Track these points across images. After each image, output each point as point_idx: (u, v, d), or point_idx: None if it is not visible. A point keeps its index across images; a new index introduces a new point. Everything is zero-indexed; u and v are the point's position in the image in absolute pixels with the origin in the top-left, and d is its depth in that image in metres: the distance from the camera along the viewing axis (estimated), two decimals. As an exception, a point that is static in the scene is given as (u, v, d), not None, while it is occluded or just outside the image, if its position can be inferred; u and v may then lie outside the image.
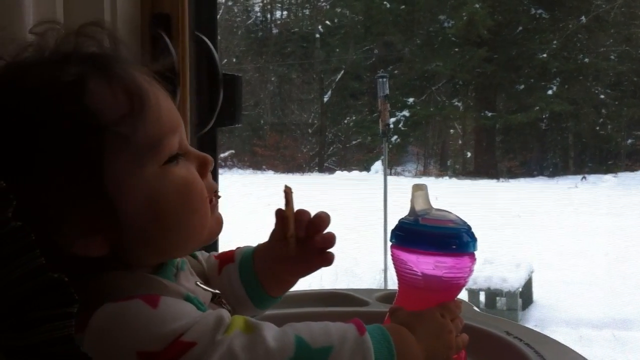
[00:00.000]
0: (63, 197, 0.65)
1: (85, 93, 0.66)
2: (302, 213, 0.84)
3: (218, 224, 0.77)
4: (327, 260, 0.84)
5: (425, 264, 0.84)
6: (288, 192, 0.81)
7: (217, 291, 0.82)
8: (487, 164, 18.27)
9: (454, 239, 0.84)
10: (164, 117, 0.70)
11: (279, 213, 0.83)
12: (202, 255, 0.91)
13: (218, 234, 0.79)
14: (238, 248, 0.94)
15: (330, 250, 0.85)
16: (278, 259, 0.86)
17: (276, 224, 0.85)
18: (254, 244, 0.96)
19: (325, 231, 0.84)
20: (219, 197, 0.78)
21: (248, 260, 0.90)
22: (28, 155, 0.64)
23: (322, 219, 0.84)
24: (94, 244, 0.66)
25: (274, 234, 0.87)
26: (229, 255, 0.93)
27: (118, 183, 0.66)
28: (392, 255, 0.88)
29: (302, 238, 0.83)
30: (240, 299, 0.89)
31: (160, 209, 0.68)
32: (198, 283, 0.79)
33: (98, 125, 0.65)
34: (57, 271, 0.58)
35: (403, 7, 18.93)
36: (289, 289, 0.91)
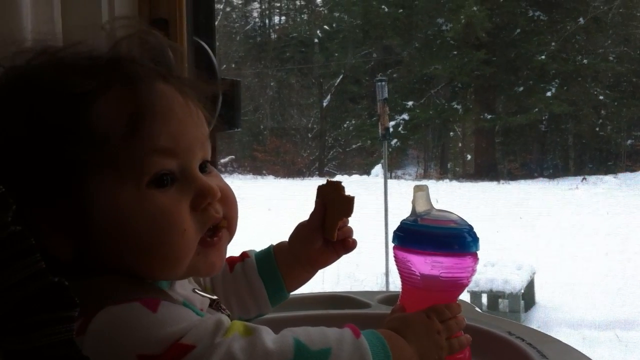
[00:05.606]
0: (41, 192, 0.66)
1: (89, 111, 0.66)
2: None
3: (209, 266, 0.73)
4: (353, 245, 0.93)
5: (423, 264, 0.85)
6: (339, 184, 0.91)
7: (214, 297, 0.82)
8: (488, 166, 18.27)
9: (456, 239, 0.84)
10: (164, 139, 0.68)
11: (320, 203, 0.91)
12: None
13: (208, 275, 0.78)
14: (244, 251, 0.98)
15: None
16: (312, 247, 0.92)
17: (315, 215, 0.92)
18: (256, 247, 1.00)
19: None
20: (219, 235, 0.74)
21: (267, 255, 0.95)
22: (20, 151, 0.66)
23: None
24: (56, 243, 0.67)
25: (311, 224, 0.92)
26: (238, 257, 0.97)
27: (92, 196, 0.66)
28: (394, 256, 0.88)
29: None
30: (256, 292, 0.93)
31: (127, 231, 0.67)
32: (196, 290, 0.79)
33: (89, 144, 0.65)
34: (57, 274, 0.58)
35: (401, 10, 18.97)
36: (302, 285, 0.97)
